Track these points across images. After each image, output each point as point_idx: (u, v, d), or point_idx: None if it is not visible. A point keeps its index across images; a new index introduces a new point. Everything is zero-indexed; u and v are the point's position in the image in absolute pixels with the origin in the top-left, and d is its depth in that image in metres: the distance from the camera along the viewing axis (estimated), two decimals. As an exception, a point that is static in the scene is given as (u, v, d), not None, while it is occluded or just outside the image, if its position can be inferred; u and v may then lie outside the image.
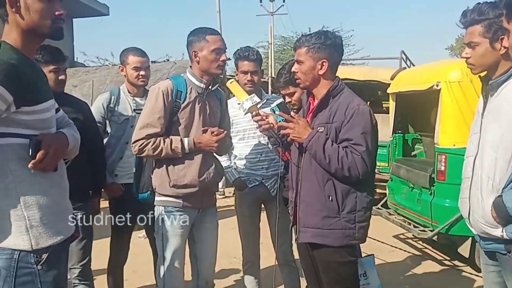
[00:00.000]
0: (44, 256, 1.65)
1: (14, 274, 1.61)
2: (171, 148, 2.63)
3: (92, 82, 9.74)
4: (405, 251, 5.03)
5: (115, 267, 3.51)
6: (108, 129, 3.38)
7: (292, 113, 2.41)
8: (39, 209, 1.65)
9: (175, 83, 2.70)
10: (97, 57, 16.92)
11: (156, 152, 2.63)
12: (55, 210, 1.72)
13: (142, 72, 3.33)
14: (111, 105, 3.35)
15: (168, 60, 10.57)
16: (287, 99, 3.15)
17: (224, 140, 2.75)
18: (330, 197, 2.33)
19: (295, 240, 2.55)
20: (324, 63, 2.39)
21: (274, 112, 2.40)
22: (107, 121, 3.37)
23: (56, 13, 1.69)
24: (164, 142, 2.63)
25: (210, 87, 2.77)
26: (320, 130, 2.36)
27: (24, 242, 1.62)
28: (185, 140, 2.67)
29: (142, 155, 2.70)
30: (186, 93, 2.70)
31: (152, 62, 3.41)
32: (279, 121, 2.37)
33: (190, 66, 2.79)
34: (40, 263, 1.64)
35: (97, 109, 3.36)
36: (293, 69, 2.49)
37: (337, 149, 2.29)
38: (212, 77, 2.77)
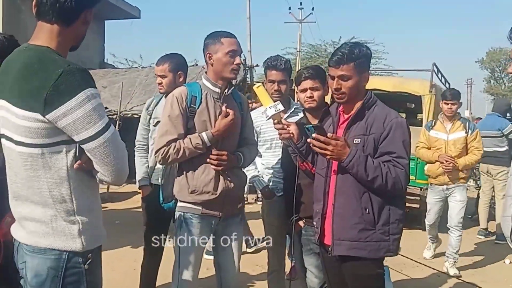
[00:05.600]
0: (90, 256, 1.72)
1: (63, 274, 1.67)
2: (193, 146, 2.61)
3: (121, 83, 9.87)
4: (429, 267, 4.92)
5: (148, 269, 3.58)
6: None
7: (329, 134, 2.30)
8: (89, 213, 1.72)
9: (190, 89, 2.70)
10: (126, 59, 17.24)
11: (180, 154, 2.62)
12: (99, 213, 1.81)
13: (158, 80, 3.41)
14: (149, 109, 3.55)
15: (196, 65, 10.54)
16: (308, 94, 2.96)
17: (234, 118, 2.66)
18: (367, 210, 2.31)
19: (328, 253, 2.46)
20: (367, 76, 2.40)
21: (308, 130, 2.30)
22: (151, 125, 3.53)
23: None
24: (184, 142, 2.62)
25: (226, 90, 2.74)
26: (356, 142, 2.33)
27: (76, 244, 1.68)
28: (203, 134, 2.64)
29: (167, 162, 2.69)
30: (201, 98, 2.69)
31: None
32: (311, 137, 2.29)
33: (206, 72, 2.78)
34: (87, 263, 1.71)
35: (142, 113, 3.62)
36: (335, 87, 2.37)
37: (379, 166, 2.26)
38: (227, 81, 2.74)
